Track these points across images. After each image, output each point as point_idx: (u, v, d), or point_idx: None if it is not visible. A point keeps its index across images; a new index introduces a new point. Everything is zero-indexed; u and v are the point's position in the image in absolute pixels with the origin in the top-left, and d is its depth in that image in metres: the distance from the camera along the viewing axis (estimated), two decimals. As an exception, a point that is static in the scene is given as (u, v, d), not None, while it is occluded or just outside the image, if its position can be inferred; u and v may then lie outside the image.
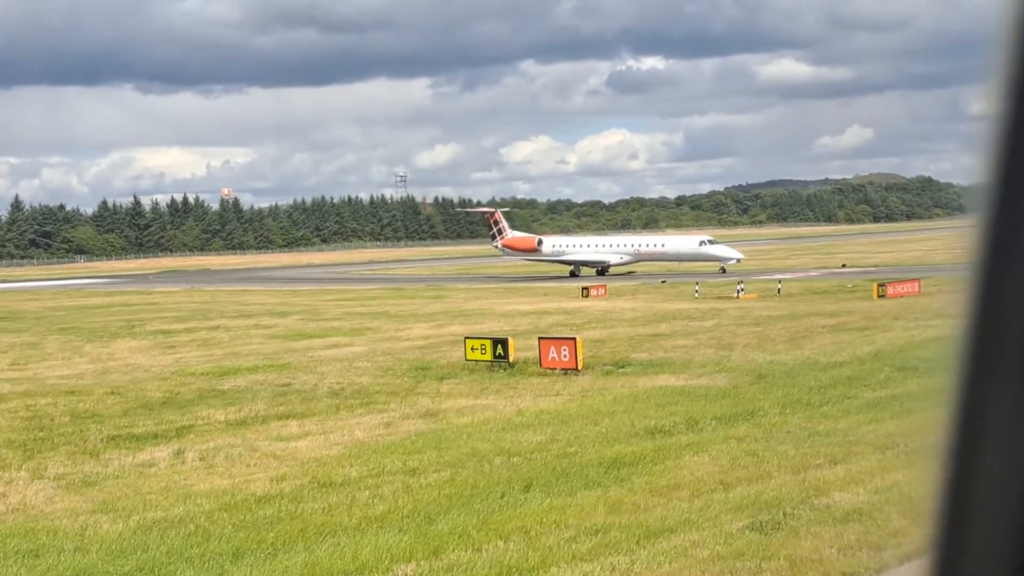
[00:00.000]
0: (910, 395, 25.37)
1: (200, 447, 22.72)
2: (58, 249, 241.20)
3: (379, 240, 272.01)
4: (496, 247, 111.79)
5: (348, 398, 28.93)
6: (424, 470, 19.28)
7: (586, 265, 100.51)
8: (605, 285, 73.75)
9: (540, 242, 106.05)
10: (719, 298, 63.68)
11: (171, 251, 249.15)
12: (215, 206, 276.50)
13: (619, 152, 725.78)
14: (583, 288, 71.78)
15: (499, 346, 34.06)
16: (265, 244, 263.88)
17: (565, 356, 32.76)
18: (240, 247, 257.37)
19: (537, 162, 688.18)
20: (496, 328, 47.82)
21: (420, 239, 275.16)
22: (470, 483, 18.04)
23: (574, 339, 33.20)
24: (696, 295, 64.93)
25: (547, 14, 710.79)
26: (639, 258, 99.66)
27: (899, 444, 19.92)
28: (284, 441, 23.03)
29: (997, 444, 1.08)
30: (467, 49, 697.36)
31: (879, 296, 58.00)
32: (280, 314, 62.44)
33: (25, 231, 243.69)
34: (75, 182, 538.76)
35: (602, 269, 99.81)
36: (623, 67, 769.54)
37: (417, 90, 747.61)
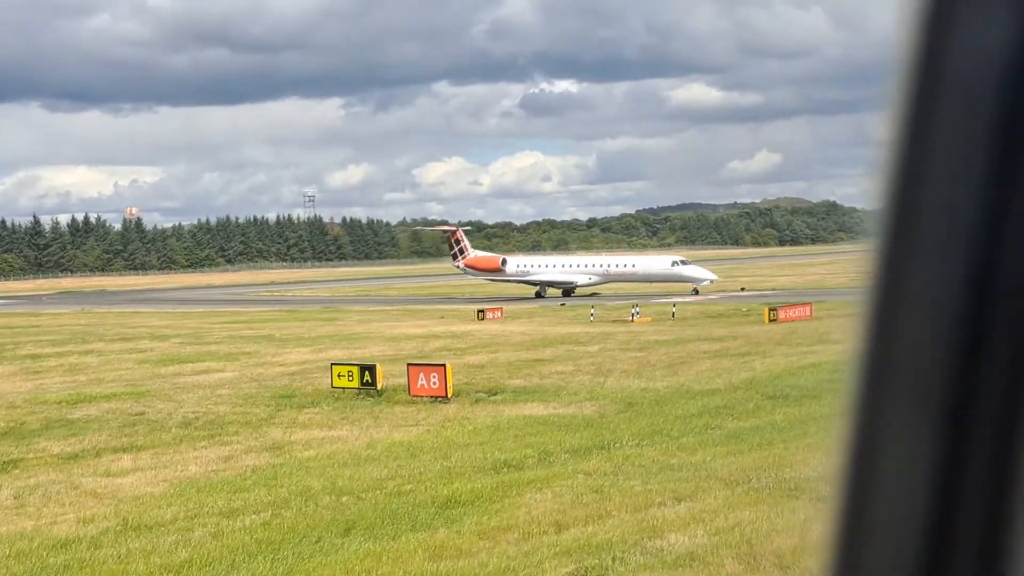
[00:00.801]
0: (774, 425, 24.64)
1: (20, 484, 21.21)
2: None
3: (285, 260, 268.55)
4: (458, 267, 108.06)
5: (198, 429, 27.50)
6: (245, 511, 17.99)
7: (552, 286, 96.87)
8: (502, 308, 72.74)
9: (504, 262, 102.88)
10: (614, 321, 63.05)
11: (72, 271, 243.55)
12: (117, 226, 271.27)
13: (532, 174, 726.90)
14: (479, 311, 70.70)
15: (367, 373, 32.84)
16: (168, 264, 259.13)
17: (435, 383, 31.65)
18: (143, 267, 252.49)
19: (450, 183, 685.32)
20: (379, 352, 46.54)
21: (327, 259, 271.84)
22: (288, 526, 16.81)
23: (444, 365, 32.09)
24: (592, 318, 64.14)
25: (461, 36, 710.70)
26: (608, 279, 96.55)
27: (751, 479, 19.05)
28: (110, 477, 21.59)
29: (892, 468, 1.09)
30: (381, 70, 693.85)
31: (770, 320, 57.73)
32: (161, 337, 60.50)
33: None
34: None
35: (568, 290, 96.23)
36: (536, 90, 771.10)
37: (330, 110, 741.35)
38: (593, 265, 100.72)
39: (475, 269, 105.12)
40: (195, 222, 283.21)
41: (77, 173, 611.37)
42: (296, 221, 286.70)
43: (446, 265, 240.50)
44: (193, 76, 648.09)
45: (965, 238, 1.05)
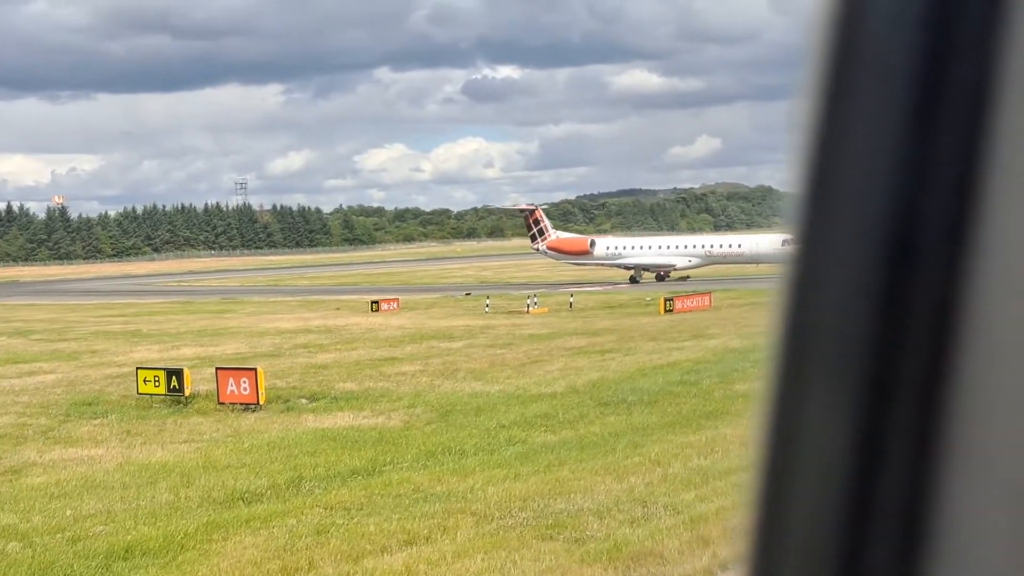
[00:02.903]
0: (582, 440, 21.89)
1: None
2: None
3: (214, 249, 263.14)
4: (537, 249, 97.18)
5: (-49, 445, 24.28)
6: None
7: (647, 269, 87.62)
8: (398, 299, 69.70)
9: (592, 244, 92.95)
10: (510, 313, 60.31)
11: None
12: (42, 215, 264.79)
13: (474, 160, 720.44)
14: (373, 302, 67.61)
15: (174, 378, 29.71)
16: (94, 254, 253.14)
17: (245, 389, 28.61)
18: (67, 257, 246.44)
19: (392, 170, 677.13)
20: (232, 351, 43.57)
21: (257, 247, 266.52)
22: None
23: (255, 370, 29.09)
24: (487, 310, 61.32)
25: (402, 21, 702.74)
26: (710, 260, 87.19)
27: (511, 513, 16.23)
28: None
29: (812, 447, 1.08)
30: (321, 56, 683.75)
31: (666, 311, 55.18)
32: (23, 333, 56.91)
33: None
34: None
35: (663, 274, 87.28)
36: (478, 75, 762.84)
37: (269, 96, 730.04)
38: (693, 246, 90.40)
39: (558, 252, 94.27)
40: (124, 210, 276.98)
41: (14, 161, 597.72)
42: (225, 209, 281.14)
43: (376, 252, 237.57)
44: (132, 63, 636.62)
45: (883, 208, 1.03)
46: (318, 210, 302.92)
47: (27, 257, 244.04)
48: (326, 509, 17.02)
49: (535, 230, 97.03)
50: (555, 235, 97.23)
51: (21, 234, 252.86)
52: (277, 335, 50.12)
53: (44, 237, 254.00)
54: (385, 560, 14.22)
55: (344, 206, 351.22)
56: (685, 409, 24.96)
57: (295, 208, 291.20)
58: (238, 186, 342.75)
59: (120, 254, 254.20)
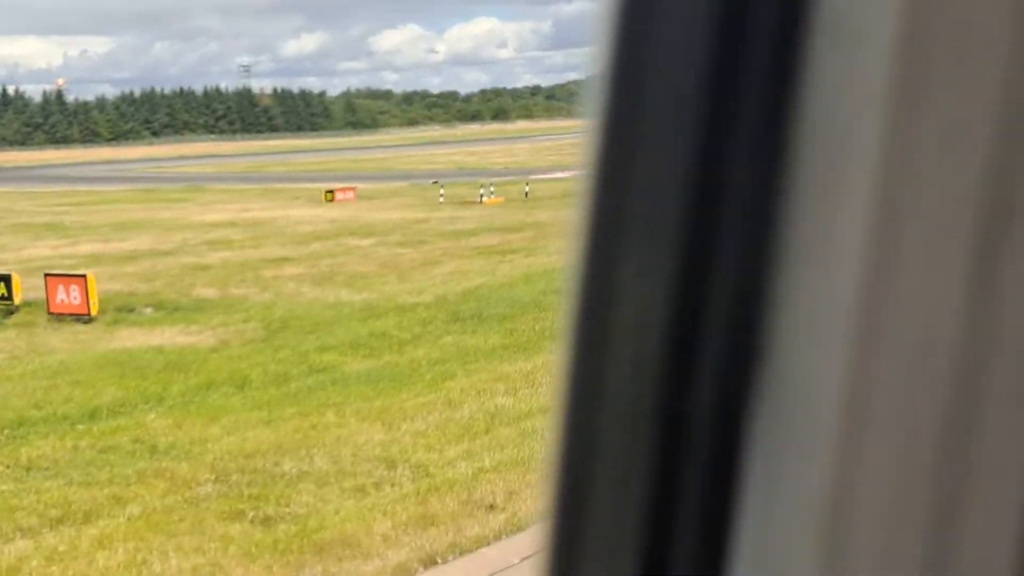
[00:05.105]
0: (395, 368, 18.77)
1: None
2: None
3: (214, 133, 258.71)
4: None
5: None
6: None
7: None
8: (355, 188, 66.26)
9: None
10: (463, 203, 56.88)
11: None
12: (38, 98, 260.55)
13: (488, 40, 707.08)
14: (328, 191, 64.14)
15: (2, 284, 26.67)
16: (91, 138, 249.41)
17: (76, 299, 25.60)
18: (64, 141, 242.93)
19: (405, 51, 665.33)
20: (133, 247, 40.41)
21: (258, 131, 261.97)
22: None
23: (84, 277, 26.00)
24: (440, 200, 57.89)
25: None
26: None
27: (218, 478, 13.17)
28: None
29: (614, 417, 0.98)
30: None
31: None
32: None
33: None
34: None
35: None
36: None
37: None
38: None
39: None
40: (122, 93, 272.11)
41: (25, 43, 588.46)
42: (225, 92, 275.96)
43: (374, 137, 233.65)
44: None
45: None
46: (322, 93, 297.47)
47: (23, 141, 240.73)
48: (9, 467, 13.97)
49: None
50: None
51: (17, 118, 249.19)
52: (194, 229, 46.95)
53: (40, 121, 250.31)
54: (4, 549, 11.18)
55: (353, 89, 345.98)
56: (540, 326, 21.76)
57: (296, 91, 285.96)
58: (241, 68, 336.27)
59: (118, 138, 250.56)
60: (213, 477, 13.18)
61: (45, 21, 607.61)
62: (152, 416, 16.08)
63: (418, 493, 12.41)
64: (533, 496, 12.16)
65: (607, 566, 0.98)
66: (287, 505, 12.22)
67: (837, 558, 0.84)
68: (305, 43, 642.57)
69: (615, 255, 0.93)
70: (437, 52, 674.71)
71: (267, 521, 11.79)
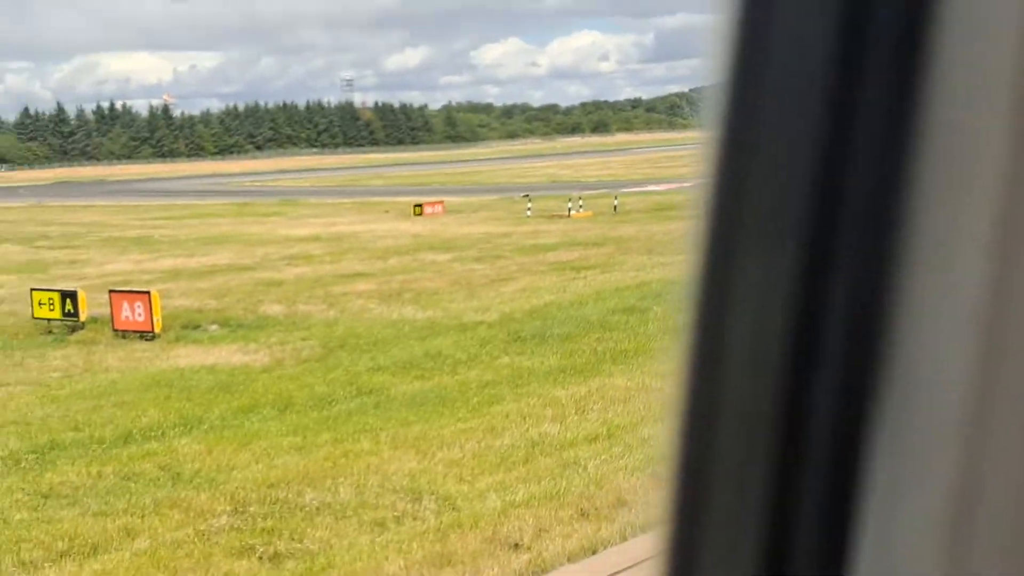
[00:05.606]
0: (444, 391, 18.09)
1: None
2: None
3: (316, 147, 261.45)
4: None
5: None
6: None
7: None
8: (443, 202, 66.06)
9: None
10: (552, 217, 56.28)
11: (97, 160, 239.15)
12: (144, 113, 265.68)
13: (590, 54, 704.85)
14: (416, 205, 64.04)
15: (68, 301, 26.58)
16: (196, 152, 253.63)
17: (140, 315, 25.40)
18: (171, 155, 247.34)
19: (507, 65, 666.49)
20: (213, 263, 40.37)
21: (359, 145, 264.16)
22: None
23: (148, 293, 25.76)
24: (527, 214, 57.37)
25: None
26: None
27: (236, 509, 12.59)
28: None
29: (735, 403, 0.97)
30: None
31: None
32: (31, 240, 54.63)
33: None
34: (38, 87, 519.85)
35: None
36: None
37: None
38: None
39: None
40: (227, 107, 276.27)
41: (137, 59, 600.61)
42: (327, 106, 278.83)
43: (473, 150, 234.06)
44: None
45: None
46: (423, 107, 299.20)
47: (130, 155, 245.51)
48: (29, 495, 13.57)
49: None
50: None
51: (124, 132, 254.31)
52: (278, 243, 46.93)
53: (147, 135, 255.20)
54: (0, 586, 10.73)
55: (454, 103, 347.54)
56: (603, 347, 20.94)
57: (397, 105, 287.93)
58: (344, 83, 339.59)
59: (222, 152, 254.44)
60: (230, 508, 12.61)
61: (156, 37, 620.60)
62: (185, 441, 15.60)
63: (439, 529, 11.70)
64: (563, 534, 11.39)
65: (727, 566, 0.97)
66: (300, 540, 11.60)
67: (961, 559, 0.83)
68: (409, 57, 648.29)
69: (734, 263, 0.92)
70: (539, 65, 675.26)
71: (276, 558, 11.18)
